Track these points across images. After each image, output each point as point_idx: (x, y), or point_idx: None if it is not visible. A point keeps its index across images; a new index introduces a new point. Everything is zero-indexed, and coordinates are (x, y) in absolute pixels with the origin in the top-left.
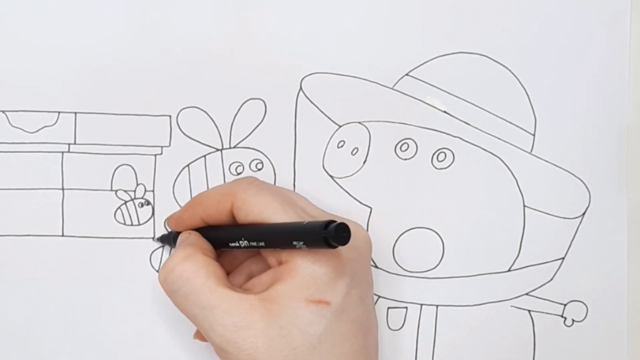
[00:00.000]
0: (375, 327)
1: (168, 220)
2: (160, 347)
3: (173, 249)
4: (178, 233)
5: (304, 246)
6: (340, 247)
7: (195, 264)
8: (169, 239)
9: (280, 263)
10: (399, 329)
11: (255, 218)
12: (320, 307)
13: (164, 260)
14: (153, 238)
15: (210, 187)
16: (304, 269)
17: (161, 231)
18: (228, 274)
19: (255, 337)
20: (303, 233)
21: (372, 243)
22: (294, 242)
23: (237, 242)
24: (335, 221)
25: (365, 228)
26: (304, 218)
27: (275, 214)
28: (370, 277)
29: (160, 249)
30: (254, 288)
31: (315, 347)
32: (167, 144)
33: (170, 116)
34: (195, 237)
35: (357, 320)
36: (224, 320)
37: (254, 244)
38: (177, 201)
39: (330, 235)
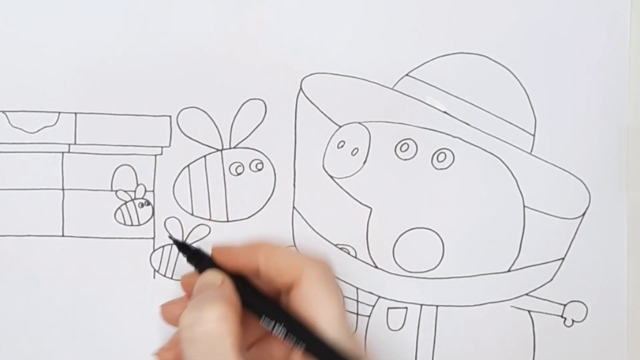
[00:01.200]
0: None
1: (216, 249)
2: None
3: (187, 261)
4: (205, 261)
5: None
6: None
7: (227, 329)
8: (195, 257)
9: None
10: (399, 329)
11: (308, 311)
12: None
13: (164, 260)
14: (171, 237)
15: (210, 187)
16: None
17: (161, 231)
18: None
19: None
20: None
21: None
22: None
23: (277, 327)
24: None
25: (365, 228)
26: (354, 338)
27: (332, 321)
28: None
29: (161, 250)
30: (261, 358)
31: None
32: (167, 144)
33: (170, 116)
34: (229, 291)
35: None
36: None
37: (296, 342)
38: (177, 201)
39: None
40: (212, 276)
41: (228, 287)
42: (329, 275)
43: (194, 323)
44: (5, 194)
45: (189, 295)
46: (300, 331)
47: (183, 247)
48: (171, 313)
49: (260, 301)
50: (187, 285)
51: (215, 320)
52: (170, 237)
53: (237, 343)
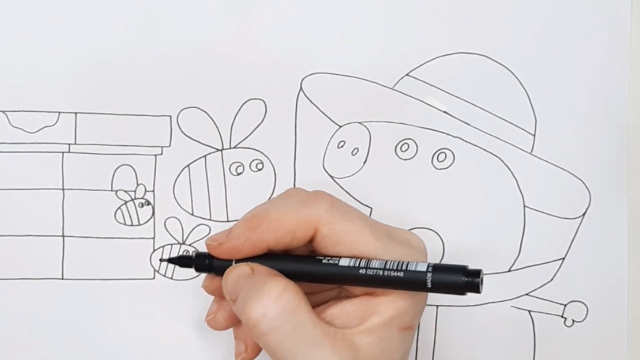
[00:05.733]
0: None
1: (217, 248)
2: (160, 347)
3: (209, 275)
4: (210, 259)
5: (430, 289)
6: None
7: (297, 296)
8: (203, 265)
9: (368, 293)
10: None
11: (344, 249)
12: (407, 332)
13: (164, 261)
14: (161, 259)
15: (210, 187)
16: (404, 300)
17: (161, 232)
18: None
19: None
20: (440, 282)
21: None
22: (425, 284)
23: (329, 281)
24: (466, 267)
25: None
26: (394, 241)
27: (368, 243)
28: None
29: (161, 250)
30: (337, 319)
31: None
32: (168, 144)
33: (170, 116)
34: (265, 268)
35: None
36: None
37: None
38: (177, 201)
39: (474, 284)
40: (240, 270)
41: (262, 268)
42: (338, 204)
43: (265, 311)
44: (5, 194)
45: (221, 297)
46: (371, 279)
47: (182, 260)
48: (220, 322)
49: (308, 270)
50: (214, 289)
51: (282, 294)
52: (162, 259)
53: (311, 309)
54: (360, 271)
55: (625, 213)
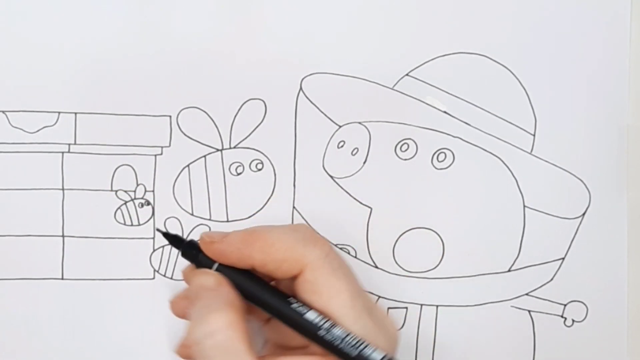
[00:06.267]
0: None
1: (208, 245)
2: (160, 347)
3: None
4: (201, 254)
5: None
6: (395, 344)
7: (238, 336)
8: (189, 251)
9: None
10: (399, 329)
11: (318, 301)
12: None
13: (164, 260)
14: (159, 230)
15: (210, 187)
16: None
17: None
18: None
19: None
20: None
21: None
22: None
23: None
24: None
25: (365, 228)
26: (370, 317)
27: (342, 307)
28: None
29: (160, 250)
30: None
31: None
32: (167, 144)
33: (170, 116)
34: (227, 292)
35: None
36: None
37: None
38: (177, 201)
39: None
40: (206, 279)
41: (225, 288)
42: (333, 258)
43: (203, 337)
44: (5, 194)
45: None
46: (323, 338)
47: (175, 240)
48: (180, 308)
49: (264, 294)
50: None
51: (225, 330)
52: (159, 229)
53: (249, 344)
54: (319, 332)
55: (625, 213)
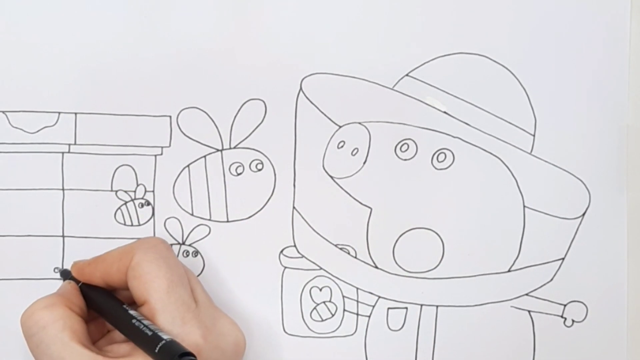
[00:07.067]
0: None
1: (73, 265)
2: None
3: None
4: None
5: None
6: (201, 346)
7: (54, 314)
8: (68, 275)
9: None
10: (399, 330)
11: (139, 285)
12: None
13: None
14: (55, 269)
15: (210, 187)
16: None
17: (161, 232)
18: (99, 338)
19: None
20: (157, 352)
21: (245, 348)
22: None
23: (108, 316)
24: (190, 354)
25: (365, 228)
26: (184, 305)
27: (158, 292)
28: None
29: None
30: (110, 353)
31: None
32: (167, 145)
33: (170, 116)
34: (70, 288)
35: None
36: None
37: (117, 325)
38: (177, 202)
39: None
40: (64, 285)
41: (65, 288)
42: (161, 249)
43: (27, 318)
44: (5, 194)
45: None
46: (121, 322)
47: (63, 273)
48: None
49: (100, 299)
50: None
51: (42, 308)
52: (60, 272)
53: (72, 329)
54: (133, 321)
55: (625, 213)
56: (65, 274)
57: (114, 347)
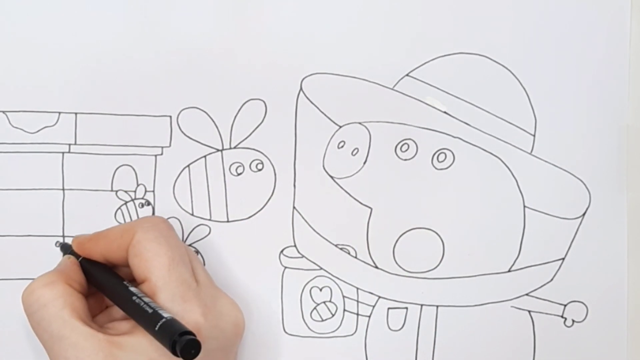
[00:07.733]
0: None
1: (74, 240)
2: None
3: None
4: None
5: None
6: (201, 324)
7: (54, 292)
8: (68, 249)
9: None
10: (399, 330)
11: (140, 263)
12: None
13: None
14: (56, 243)
15: (210, 187)
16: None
17: None
18: (99, 312)
19: None
20: (157, 330)
21: (244, 328)
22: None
23: (108, 293)
24: (190, 333)
25: (365, 228)
26: (185, 284)
27: (159, 270)
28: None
29: None
30: (111, 330)
31: None
32: (168, 145)
33: (170, 116)
34: (70, 264)
35: None
36: (67, 353)
37: (118, 302)
38: (177, 201)
39: (178, 346)
40: (64, 260)
41: (66, 264)
42: (162, 227)
43: (27, 295)
44: (5, 194)
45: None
46: (123, 299)
47: (63, 247)
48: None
49: (101, 275)
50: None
51: (43, 286)
52: (60, 245)
53: (72, 306)
54: (134, 298)
55: (625, 213)
56: (66, 248)
57: (114, 324)
